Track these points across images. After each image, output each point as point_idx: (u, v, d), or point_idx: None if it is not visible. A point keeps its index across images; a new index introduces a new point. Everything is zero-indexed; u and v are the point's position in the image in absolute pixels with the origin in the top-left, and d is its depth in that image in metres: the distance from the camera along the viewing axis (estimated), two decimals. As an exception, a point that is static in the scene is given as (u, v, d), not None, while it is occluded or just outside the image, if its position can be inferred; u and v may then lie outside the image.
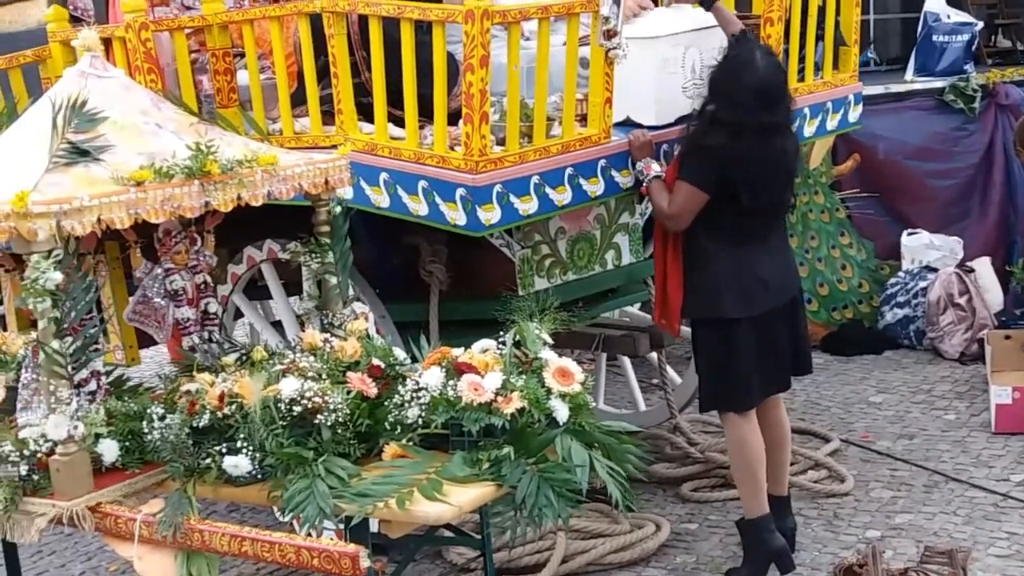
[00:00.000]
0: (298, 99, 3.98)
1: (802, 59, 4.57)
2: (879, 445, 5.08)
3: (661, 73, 4.10)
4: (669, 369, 5.16)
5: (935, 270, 6.38)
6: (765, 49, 4.01)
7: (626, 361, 5.42)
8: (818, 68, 4.71)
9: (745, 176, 3.78)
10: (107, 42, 3.92)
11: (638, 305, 5.31)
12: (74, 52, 3.21)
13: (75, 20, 4.21)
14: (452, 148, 3.64)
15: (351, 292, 3.75)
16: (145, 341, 3.93)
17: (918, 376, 5.96)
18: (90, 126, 2.93)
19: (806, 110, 4.55)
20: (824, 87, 4.68)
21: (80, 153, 2.87)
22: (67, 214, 2.71)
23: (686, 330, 4.28)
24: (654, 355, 5.03)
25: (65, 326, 2.84)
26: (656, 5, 4.42)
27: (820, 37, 4.65)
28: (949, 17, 7.30)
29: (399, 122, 3.77)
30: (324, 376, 3.05)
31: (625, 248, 4.56)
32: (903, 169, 6.73)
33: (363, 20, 3.76)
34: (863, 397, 5.73)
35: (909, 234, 6.59)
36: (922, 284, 6.34)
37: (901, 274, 6.49)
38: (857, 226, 6.72)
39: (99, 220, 2.78)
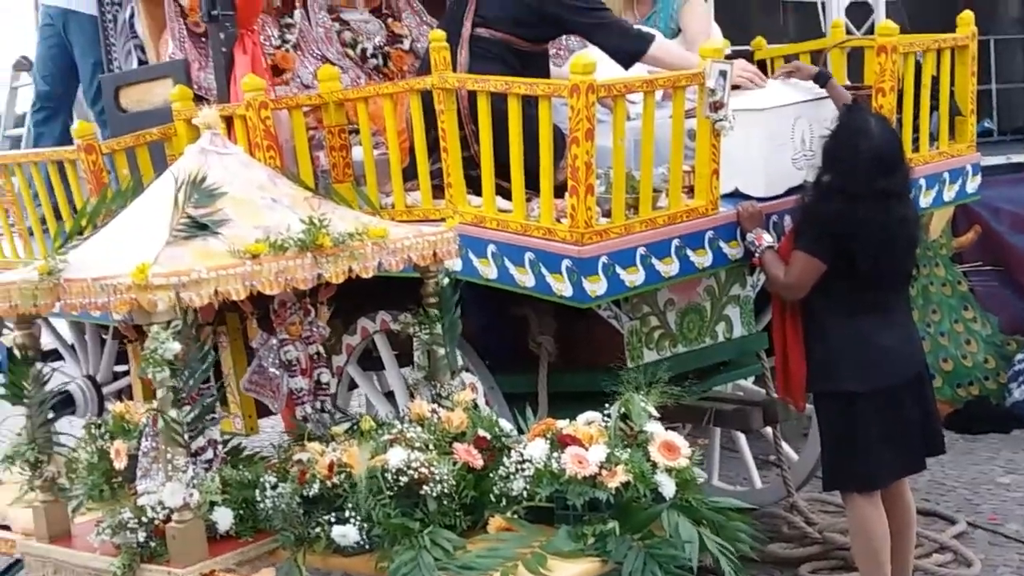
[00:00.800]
0: (410, 173, 4.07)
1: (916, 129, 4.50)
2: (1007, 528, 4.89)
3: (770, 145, 4.08)
4: (785, 445, 5.04)
5: (1065, 345, 6.16)
6: (879, 117, 3.98)
7: (740, 436, 5.32)
8: (933, 138, 4.63)
9: (863, 244, 3.73)
10: (229, 120, 4.08)
11: (752, 379, 5.22)
12: (197, 129, 3.34)
13: (199, 99, 4.37)
14: (559, 220, 3.67)
15: (460, 363, 3.79)
16: (264, 410, 4.02)
17: (1049, 456, 5.74)
18: (209, 201, 3.04)
19: (922, 181, 4.46)
20: (940, 157, 4.59)
21: (199, 227, 2.97)
22: (185, 286, 2.80)
23: (809, 406, 4.21)
24: (769, 430, 4.93)
25: (183, 395, 2.92)
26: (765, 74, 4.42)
27: (935, 107, 4.57)
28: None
29: (507, 194, 3.82)
30: (431, 447, 3.07)
31: (737, 320, 4.51)
32: (1024, 241, 6.55)
33: (472, 95, 3.84)
34: (990, 477, 5.52)
35: (1035, 308, 6.38)
36: (1051, 360, 6.12)
37: (1028, 349, 6.28)
38: (980, 300, 6.53)
39: (216, 292, 2.87)
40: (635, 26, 4.28)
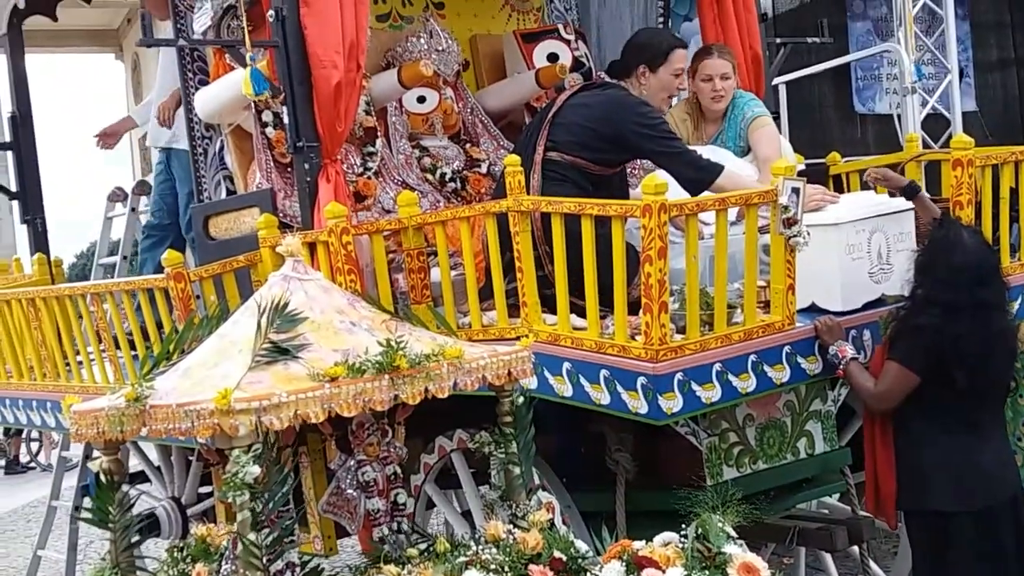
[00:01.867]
0: (486, 293, 4.15)
1: (996, 241, 4.46)
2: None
3: (846, 259, 4.08)
4: (873, 565, 4.89)
5: None
6: (972, 229, 3.97)
7: (827, 556, 5.18)
8: (1015, 250, 4.58)
9: (962, 356, 3.68)
10: (312, 246, 4.22)
11: (837, 496, 5.11)
12: (281, 256, 3.46)
13: (285, 226, 4.52)
14: (633, 337, 3.69)
15: (537, 481, 3.79)
16: (344, 531, 4.04)
17: None
18: (290, 326, 3.13)
19: (1005, 292, 4.40)
20: (1022, 269, 4.53)
21: (280, 352, 3.06)
22: (266, 410, 2.87)
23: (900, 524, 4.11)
24: (856, 549, 4.79)
25: (262, 518, 2.97)
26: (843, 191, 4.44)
27: (1015, 219, 4.53)
28: None
29: (582, 312, 3.86)
30: (506, 568, 3.07)
31: (818, 436, 4.44)
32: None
33: (545, 217, 3.92)
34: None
35: None
36: None
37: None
38: (1074, 411, 6.32)
39: (295, 415, 2.94)
40: (704, 153, 4.35)
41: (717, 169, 4.14)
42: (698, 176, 4.10)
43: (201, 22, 4.79)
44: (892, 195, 4.45)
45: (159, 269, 5.36)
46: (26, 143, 6.21)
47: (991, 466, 3.80)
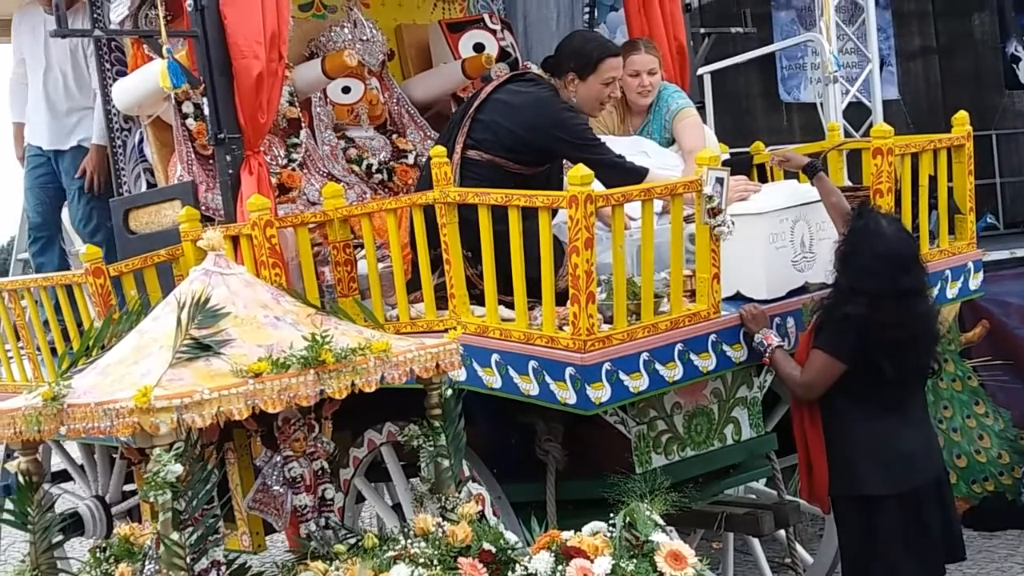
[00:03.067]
0: (415, 285, 4.12)
1: (916, 228, 4.53)
2: (1030, 628, 4.79)
3: (770, 247, 4.12)
4: (800, 548, 4.97)
5: (1079, 438, 6.09)
6: (889, 217, 4.02)
7: (754, 540, 5.25)
8: (933, 237, 4.66)
9: (887, 344, 3.74)
10: (236, 239, 4.16)
11: (763, 482, 5.18)
12: (204, 250, 3.40)
13: (207, 220, 4.45)
14: (561, 328, 3.69)
15: (467, 473, 3.78)
16: (272, 527, 3.99)
17: (1068, 552, 5.63)
18: (212, 322, 3.08)
19: (924, 278, 4.48)
20: (941, 255, 4.62)
21: (202, 348, 3.01)
22: (188, 407, 2.82)
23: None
24: (783, 533, 4.86)
25: (185, 517, 2.92)
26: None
27: (934, 206, 4.62)
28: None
29: (510, 305, 3.86)
30: (435, 562, 3.05)
31: (745, 422, 4.49)
32: (1036, 335, 6.52)
33: (466, 221, 3.87)
34: (1009, 575, 5.41)
35: (1047, 401, 6.33)
36: (1066, 453, 6.04)
37: (1043, 443, 6.21)
38: (991, 394, 6.48)
39: (218, 412, 2.89)
40: (629, 144, 4.34)
41: (642, 172, 4.12)
42: (624, 181, 4.06)
43: (118, 12, 4.69)
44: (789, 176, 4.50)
45: (59, 268, 5.27)
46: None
47: (917, 449, 3.87)
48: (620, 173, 4.10)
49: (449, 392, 3.49)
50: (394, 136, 5.39)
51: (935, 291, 4.58)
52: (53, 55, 5.57)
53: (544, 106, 4.17)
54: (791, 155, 4.44)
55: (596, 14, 6.29)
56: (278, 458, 3.46)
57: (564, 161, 4.31)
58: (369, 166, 5.18)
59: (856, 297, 3.76)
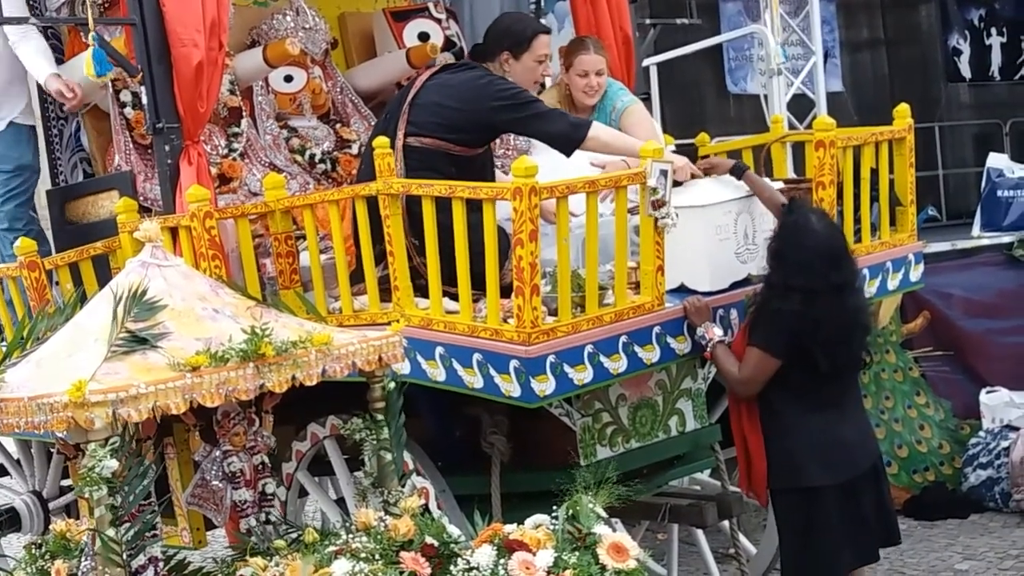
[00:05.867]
0: (358, 277, 4.08)
1: (858, 220, 4.57)
2: (969, 615, 4.86)
3: (713, 240, 4.13)
4: (743, 538, 5.01)
5: (1017, 428, 6.18)
6: (819, 212, 4.06)
7: (698, 532, 5.28)
8: (874, 229, 4.71)
9: (822, 339, 3.77)
10: (174, 231, 4.09)
11: (707, 472, 5.20)
12: (142, 242, 3.34)
13: (146, 210, 4.38)
14: (505, 320, 3.68)
15: (411, 466, 3.75)
16: (213, 523, 3.94)
17: (1006, 541, 5.72)
18: (149, 314, 3.02)
19: (865, 271, 4.51)
20: (882, 247, 4.67)
21: (138, 341, 2.95)
22: (123, 402, 2.77)
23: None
24: (727, 524, 4.89)
25: (122, 513, 2.87)
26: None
27: (875, 198, 4.66)
28: (1013, 172, 7.29)
29: (455, 297, 3.83)
30: (377, 557, 3.02)
31: (689, 414, 4.50)
32: (974, 326, 6.62)
33: (411, 209, 3.84)
34: (949, 564, 5.51)
35: (988, 392, 6.42)
36: (1004, 443, 6.15)
37: (982, 434, 6.30)
38: (932, 385, 6.58)
39: (155, 406, 2.84)
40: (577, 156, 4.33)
41: (587, 123, 4.12)
42: (570, 131, 4.04)
43: (56, -1, 4.59)
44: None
45: None
46: None
47: (853, 439, 3.92)
48: (567, 123, 4.08)
49: (392, 385, 3.45)
50: (338, 126, 5.33)
51: (876, 283, 4.64)
52: None
53: (481, 79, 4.16)
54: (716, 160, 4.47)
55: (542, 4, 6.27)
56: (217, 453, 3.41)
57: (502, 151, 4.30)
58: (312, 156, 5.11)
59: (789, 293, 3.79)
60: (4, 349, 3.41)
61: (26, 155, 4.95)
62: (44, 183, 4.98)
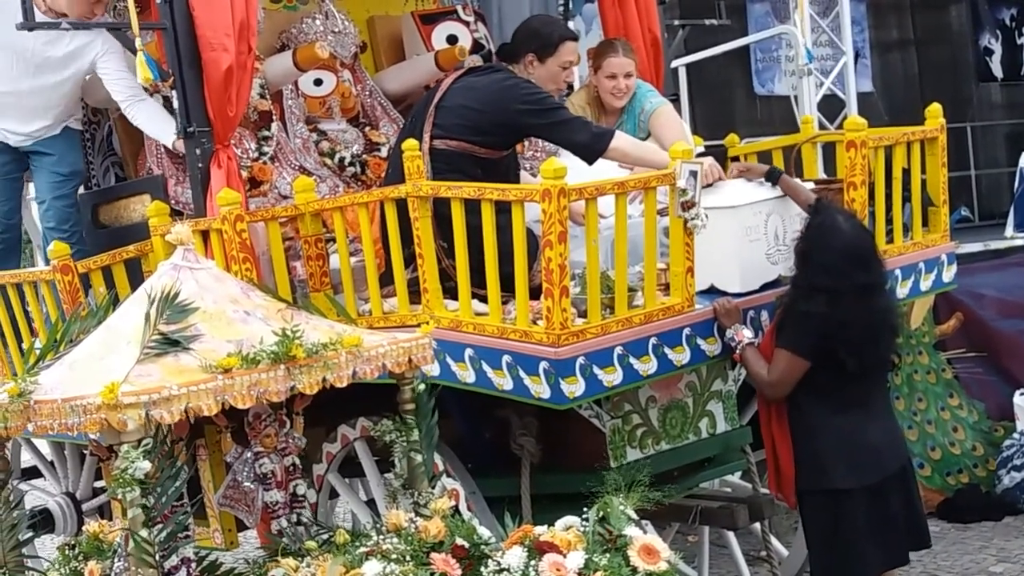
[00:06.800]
0: (388, 279, 4.09)
1: (889, 221, 4.54)
2: (1003, 618, 4.82)
3: (744, 241, 4.12)
4: (775, 540, 4.98)
5: (1052, 429, 6.13)
6: (847, 213, 4.04)
7: (730, 533, 5.26)
8: (907, 230, 4.67)
9: (848, 340, 3.75)
10: (206, 234, 4.12)
11: (738, 475, 5.18)
12: (173, 245, 3.36)
13: (177, 214, 4.41)
14: (535, 322, 3.67)
15: (441, 468, 3.75)
16: (245, 523, 3.96)
17: (1041, 543, 5.67)
18: (181, 317, 3.04)
19: (898, 272, 4.49)
20: (915, 248, 4.63)
21: (171, 343, 2.97)
22: (156, 403, 2.79)
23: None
24: (758, 526, 4.87)
25: (155, 514, 2.89)
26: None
27: (907, 199, 4.63)
28: (1045, 173, 7.23)
29: (484, 299, 3.83)
30: (408, 558, 3.03)
31: (720, 416, 4.49)
32: (1008, 327, 6.56)
33: (439, 212, 3.85)
34: (983, 567, 5.46)
35: (1022, 393, 6.35)
36: (1039, 445, 6.08)
37: (1016, 435, 6.23)
38: (966, 386, 6.52)
39: (187, 408, 2.86)
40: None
41: (610, 132, 4.12)
42: (592, 141, 4.05)
43: (88, 4, 4.63)
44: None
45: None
46: None
47: (881, 440, 3.89)
48: (589, 133, 4.08)
49: (422, 387, 3.46)
50: (367, 129, 5.35)
51: (909, 284, 4.60)
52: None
53: (506, 82, 4.18)
54: (750, 165, 4.45)
55: (571, 6, 6.27)
56: (249, 454, 3.43)
57: (518, 150, 4.30)
58: (342, 159, 5.14)
59: (816, 295, 3.78)
60: (38, 352, 3.44)
61: (79, 159, 5.02)
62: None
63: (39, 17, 4.44)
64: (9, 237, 5.20)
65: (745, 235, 4.12)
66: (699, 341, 3.96)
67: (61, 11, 4.60)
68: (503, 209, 3.71)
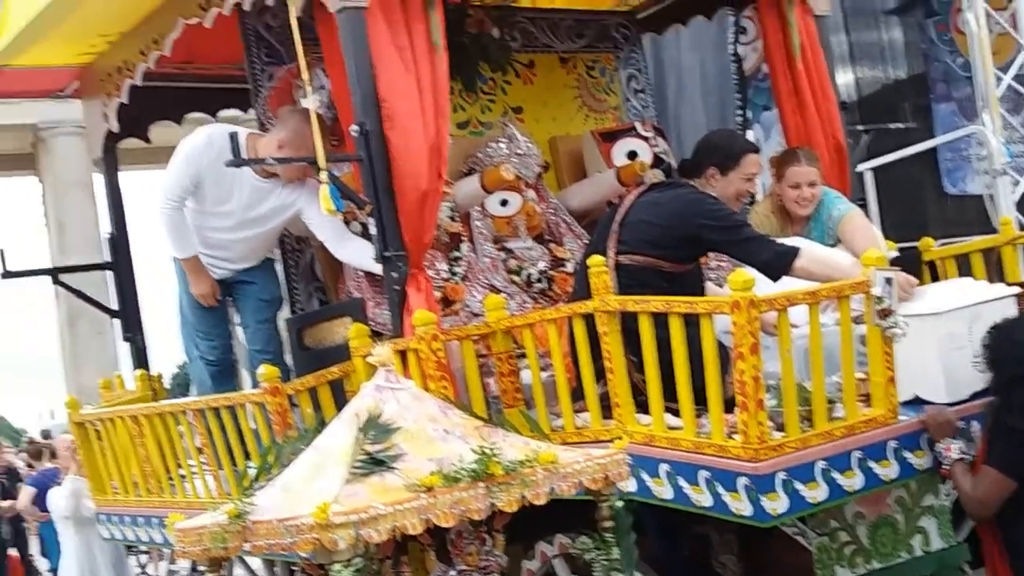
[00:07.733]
0: (578, 394, 4.11)
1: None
2: None
3: (947, 349, 3.98)
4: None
5: None
6: None
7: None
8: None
9: None
10: (403, 353, 4.24)
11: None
12: (374, 366, 3.47)
13: (376, 335, 4.56)
14: (731, 436, 3.62)
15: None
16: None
17: None
18: (385, 437, 3.12)
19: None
20: None
21: (376, 463, 3.05)
22: (364, 523, 2.85)
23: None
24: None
25: (361, 631, 2.93)
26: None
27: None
28: None
29: (676, 413, 3.80)
30: None
31: (933, 532, 4.26)
32: None
33: (627, 327, 3.86)
34: None
35: None
36: None
37: None
38: None
39: (394, 527, 2.92)
40: (792, 243, 4.29)
41: (794, 251, 4.08)
42: (776, 259, 4.03)
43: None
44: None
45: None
46: (123, 262, 6.34)
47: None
48: (772, 251, 4.06)
49: (620, 504, 3.44)
50: (552, 245, 5.46)
51: None
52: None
53: (689, 197, 4.23)
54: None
55: (749, 114, 6.29)
56: (452, 572, 3.45)
57: (702, 261, 4.30)
58: (529, 276, 5.25)
59: (1014, 394, 3.59)
60: (251, 473, 3.58)
61: (278, 286, 5.38)
62: (282, 311, 5.31)
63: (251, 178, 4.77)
64: (225, 359, 5.50)
65: (948, 343, 3.98)
66: (906, 454, 3.81)
67: (272, 172, 4.97)
68: (691, 322, 3.70)
